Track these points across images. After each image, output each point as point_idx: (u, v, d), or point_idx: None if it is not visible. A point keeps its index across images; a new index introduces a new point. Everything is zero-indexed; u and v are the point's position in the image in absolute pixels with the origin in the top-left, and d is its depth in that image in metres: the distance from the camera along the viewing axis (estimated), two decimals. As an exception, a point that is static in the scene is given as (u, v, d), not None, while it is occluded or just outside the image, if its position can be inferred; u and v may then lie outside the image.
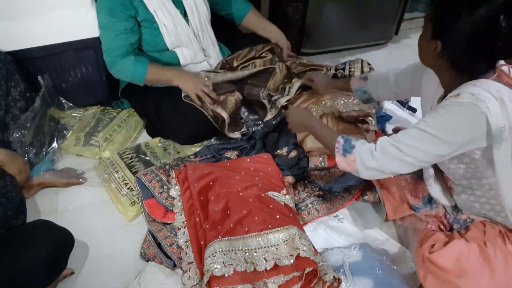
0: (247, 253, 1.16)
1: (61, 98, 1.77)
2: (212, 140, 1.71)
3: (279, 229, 1.20)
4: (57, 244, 1.12)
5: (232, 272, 1.12)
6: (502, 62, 1.04)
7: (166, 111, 1.63)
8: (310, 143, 1.53)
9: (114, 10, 1.48)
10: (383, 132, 1.74)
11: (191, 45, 1.64)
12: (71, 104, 1.78)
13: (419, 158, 1.00)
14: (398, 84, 1.35)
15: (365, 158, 1.05)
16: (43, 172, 1.52)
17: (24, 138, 1.48)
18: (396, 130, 1.63)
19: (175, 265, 1.28)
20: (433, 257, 1.08)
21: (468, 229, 1.17)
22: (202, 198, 1.36)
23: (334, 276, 1.16)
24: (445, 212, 1.28)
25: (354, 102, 1.59)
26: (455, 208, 1.26)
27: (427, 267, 1.09)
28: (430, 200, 1.31)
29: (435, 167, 1.22)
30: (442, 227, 1.28)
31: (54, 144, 1.66)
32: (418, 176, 1.35)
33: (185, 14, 1.60)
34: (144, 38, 1.59)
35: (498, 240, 1.09)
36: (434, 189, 1.24)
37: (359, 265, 1.24)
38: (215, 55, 1.76)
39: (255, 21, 1.82)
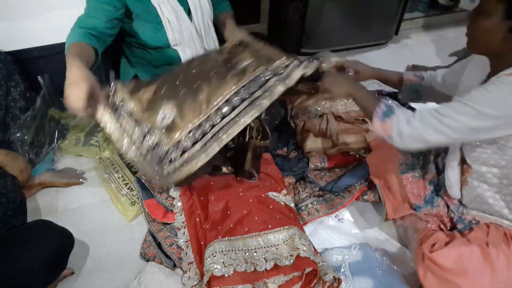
0: (247, 253, 1.16)
1: (61, 99, 1.77)
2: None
3: (279, 229, 1.20)
4: (57, 244, 1.12)
5: (232, 272, 1.12)
6: None
7: None
8: (310, 144, 1.54)
9: None
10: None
11: (193, 44, 1.62)
12: (71, 104, 1.78)
13: (457, 129, 0.98)
14: (446, 84, 1.31)
15: (402, 124, 1.04)
16: (43, 172, 1.52)
17: (26, 137, 1.47)
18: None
19: (175, 265, 1.28)
20: (434, 256, 1.08)
21: (471, 230, 1.17)
22: (202, 198, 1.36)
23: (334, 276, 1.16)
24: (447, 211, 1.28)
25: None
26: (460, 206, 1.25)
27: (427, 266, 1.09)
28: (431, 199, 1.31)
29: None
30: (442, 226, 1.28)
31: (54, 144, 1.66)
32: (420, 175, 1.35)
33: (189, 13, 1.60)
34: (146, 33, 1.57)
35: (502, 242, 1.08)
36: (455, 173, 1.20)
37: (359, 265, 1.24)
38: None
39: (223, 20, 1.69)
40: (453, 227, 1.25)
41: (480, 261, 1.05)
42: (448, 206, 1.28)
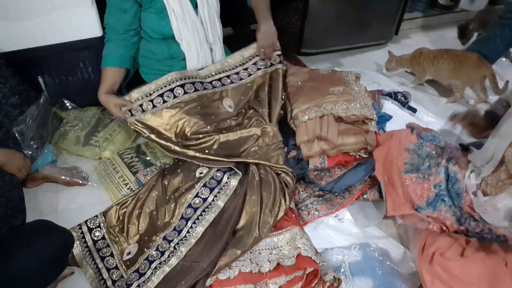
0: (251, 254, 1.17)
1: (62, 99, 1.76)
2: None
3: (282, 231, 1.21)
4: (57, 244, 1.12)
5: (237, 273, 1.13)
6: None
7: None
8: (306, 151, 1.53)
9: None
10: (383, 132, 1.74)
11: (197, 36, 1.61)
12: (73, 104, 1.78)
13: None
14: None
15: None
16: (46, 165, 1.51)
17: (27, 130, 1.44)
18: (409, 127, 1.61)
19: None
20: (449, 264, 1.06)
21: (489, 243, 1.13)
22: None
23: (334, 276, 1.16)
24: (466, 220, 1.25)
25: (357, 106, 1.58)
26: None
27: (436, 272, 1.07)
28: (434, 202, 1.30)
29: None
30: (444, 228, 1.27)
31: (54, 140, 1.65)
32: (424, 176, 1.35)
33: (195, 6, 1.60)
34: (150, 22, 1.56)
35: None
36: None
37: (359, 265, 1.24)
38: (220, 54, 1.73)
39: (257, 4, 1.72)
40: (456, 231, 1.24)
41: (497, 277, 1.02)
42: (462, 215, 1.26)
